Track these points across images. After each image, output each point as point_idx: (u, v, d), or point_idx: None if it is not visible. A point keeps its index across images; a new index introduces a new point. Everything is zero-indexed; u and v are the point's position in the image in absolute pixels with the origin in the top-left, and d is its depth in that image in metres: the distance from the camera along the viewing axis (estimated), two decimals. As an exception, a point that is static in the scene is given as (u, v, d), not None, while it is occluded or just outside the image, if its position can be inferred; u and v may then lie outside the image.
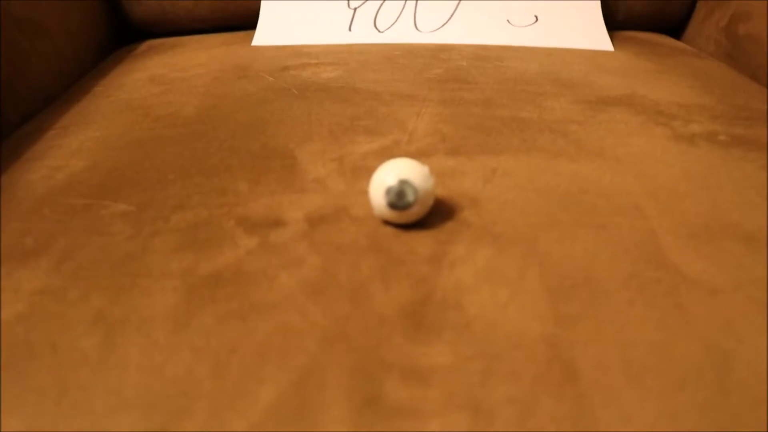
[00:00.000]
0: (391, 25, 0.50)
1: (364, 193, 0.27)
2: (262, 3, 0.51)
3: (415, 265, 0.23)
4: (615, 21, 0.56)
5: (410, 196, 0.24)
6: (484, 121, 0.35)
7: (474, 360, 0.19)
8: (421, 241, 0.24)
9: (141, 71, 0.45)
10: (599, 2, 0.51)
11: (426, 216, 0.26)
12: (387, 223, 0.25)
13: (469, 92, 0.39)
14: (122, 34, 0.55)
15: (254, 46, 0.49)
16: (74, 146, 0.33)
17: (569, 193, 0.28)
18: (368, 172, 0.29)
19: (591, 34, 0.50)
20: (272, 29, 0.50)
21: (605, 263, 0.23)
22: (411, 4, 0.50)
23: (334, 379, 0.19)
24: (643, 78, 0.42)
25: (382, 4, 0.50)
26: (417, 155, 0.31)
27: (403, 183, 0.24)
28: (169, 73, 0.44)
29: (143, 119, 0.36)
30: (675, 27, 0.58)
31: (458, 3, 0.51)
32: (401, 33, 0.49)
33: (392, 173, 0.25)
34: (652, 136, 0.34)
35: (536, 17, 0.50)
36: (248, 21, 0.53)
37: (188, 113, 0.36)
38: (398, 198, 0.24)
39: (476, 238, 0.25)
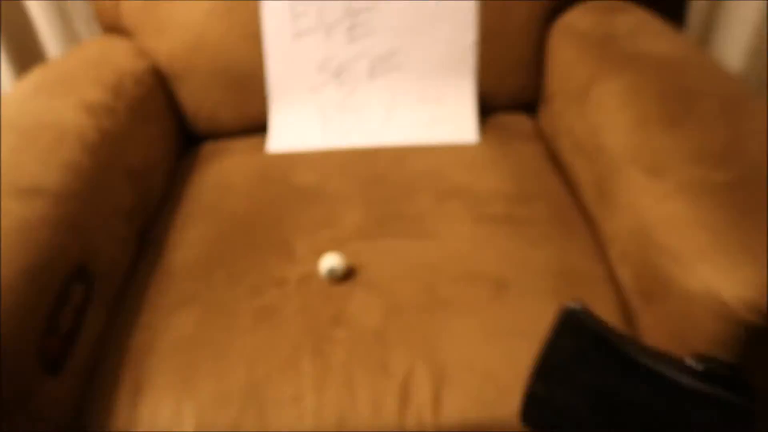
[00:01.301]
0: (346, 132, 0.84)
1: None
2: (269, 113, 0.86)
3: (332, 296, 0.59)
4: (493, 103, 0.88)
5: (334, 273, 0.60)
6: (376, 213, 0.70)
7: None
8: (336, 289, 0.61)
9: (204, 181, 0.80)
10: (474, 101, 0.85)
11: (342, 276, 0.62)
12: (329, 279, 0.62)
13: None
14: (188, 139, 0.90)
15: (268, 153, 0.84)
16: (188, 241, 0.70)
17: (416, 257, 0.63)
18: (321, 252, 0.65)
19: (461, 124, 0.83)
20: (279, 136, 0.85)
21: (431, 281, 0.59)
22: (354, 114, 0.85)
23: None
24: (476, 168, 0.76)
25: (343, 115, 0.85)
26: (341, 240, 0.66)
27: (333, 269, 0.60)
28: (227, 179, 0.79)
29: (217, 223, 0.72)
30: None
31: (390, 111, 0.85)
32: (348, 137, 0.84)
33: (326, 262, 0.61)
34: (466, 218, 0.69)
35: (433, 116, 0.84)
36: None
37: (238, 213, 0.72)
38: (331, 273, 0.60)
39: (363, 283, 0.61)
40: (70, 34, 1.02)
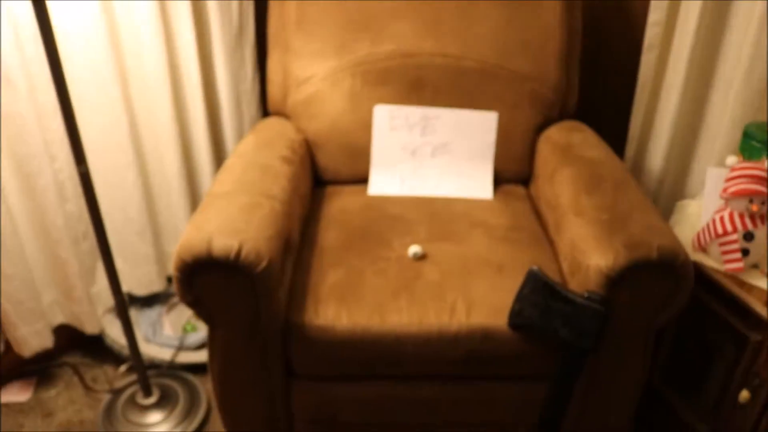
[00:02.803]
0: (415, 185, 1.44)
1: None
2: (371, 172, 1.46)
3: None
4: (503, 177, 1.48)
5: (416, 255, 1.19)
6: (435, 230, 1.29)
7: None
8: (416, 263, 1.19)
9: (331, 207, 1.39)
10: (491, 176, 1.45)
11: (420, 257, 1.20)
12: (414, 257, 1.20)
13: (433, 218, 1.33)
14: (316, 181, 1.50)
15: (368, 195, 1.44)
16: (329, 236, 1.28)
17: (457, 253, 1.22)
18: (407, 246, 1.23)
19: (483, 188, 1.43)
20: (376, 185, 1.45)
21: (475, 258, 1.18)
22: (421, 176, 1.45)
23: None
24: (491, 211, 1.36)
25: (414, 177, 1.45)
26: (416, 242, 1.25)
27: (416, 253, 1.19)
28: (346, 206, 1.39)
29: (344, 229, 1.31)
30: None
31: (441, 177, 1.45)
32: (415, 191, 1.44)
33: (412, 249, 1.19)
34: (484, 236, 1.28)
35: (467, 182, 1.45)
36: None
37: (356, 225, 1.31)
38: (414, 255, 1.19)
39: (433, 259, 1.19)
40: (239, 110, 1.63)
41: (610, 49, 1.65)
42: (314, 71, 1.45)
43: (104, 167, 1.48)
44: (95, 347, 1.66)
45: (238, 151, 1.32)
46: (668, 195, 1.57)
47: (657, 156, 1.54)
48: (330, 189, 1.48)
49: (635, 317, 1.07)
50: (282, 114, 1.52)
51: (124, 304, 1.32)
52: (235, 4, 1.50)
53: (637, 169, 1.61)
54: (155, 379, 1.54)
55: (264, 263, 1.04)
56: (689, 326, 1.23)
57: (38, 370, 1.63)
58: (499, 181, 1.48)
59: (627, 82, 1.59)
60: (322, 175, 1.50)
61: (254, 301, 1.07)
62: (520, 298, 1.08)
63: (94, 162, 1.47)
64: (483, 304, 1.12)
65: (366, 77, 1.43)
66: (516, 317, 1.08)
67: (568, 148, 1.36)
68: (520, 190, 1.48)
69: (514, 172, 1.48)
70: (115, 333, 1.62)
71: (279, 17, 1.49)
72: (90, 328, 1.55)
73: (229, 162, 1.28)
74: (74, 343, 1.66)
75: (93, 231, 1.53)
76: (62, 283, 1.50)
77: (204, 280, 1.05)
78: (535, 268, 1.08)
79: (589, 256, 1.07)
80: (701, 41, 1.41)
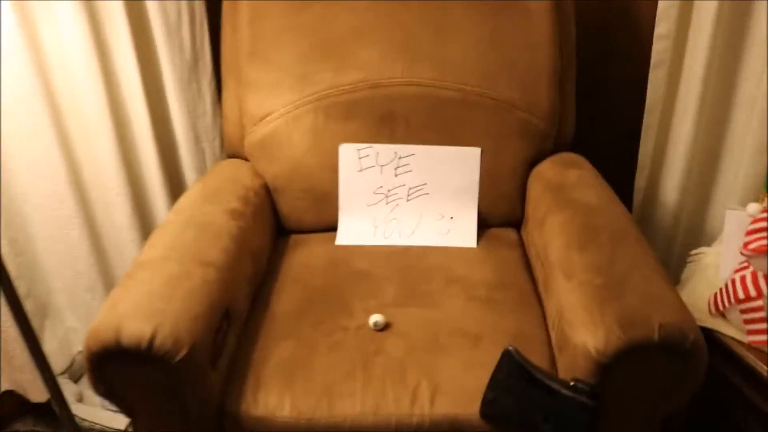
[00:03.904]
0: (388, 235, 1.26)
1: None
2: (339, 219, 1.29)
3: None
4: (490, 221, 1.29)
5: (378, 325, 1.01)
6: (405, 290, 1.11)
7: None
8: (378, 334, 1.01)
9: (293, 262, 1.22)
10: (474, 219, 1.26)
11: (382, 327, 1.02)
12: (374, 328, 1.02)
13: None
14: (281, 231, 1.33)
15: (336, 245, 1.26)
16: (284, 299, 1.11)
17: (428, 319, 1.03)
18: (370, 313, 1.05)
19: (466, 234, 1.24)
20: (345, 234, 1.27)
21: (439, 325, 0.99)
22: (395, 223, 1.27)
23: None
24: (472, 264, 1.17)
25: (388, 223, 1.27)
26: (383, 305, 1.07)
27: (377, 322, 1.01)
28: (309, 261, 1.21)
29: (303, 289, 1.13)
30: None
31: (418, 222, 1.27)
32: (389, 239, 1.26)
33: (372, 318, 1.01)
34: (461, 297, 1.09)
35: (447, 228, 1.26)
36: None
37: (316, 284, 1.14)
38: (376, 325, 1.01)
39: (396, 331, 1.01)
40: (198, 148, 1.47)
41: (614, 66, 1.45)
42: (272, 107, 1.28)
43: (45, 220, 1.34)
44: (51, 412, 1.51)
45: (178, 206, 1.16)
46: (685, 234, 1.36)
47: (671, 188, 1.34)
48: (294, 239, 1.31)
49: (634, 408, 0.87)
50: (240, 156, 1.35)
51: (54, 380, 1.17)
52: (186, 30, 1.34)
53: (649, 204, 1.40)
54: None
55: (184, 351, 0.87)
56: (707, 401, 1.02)
57: (-12, 440, 1.49)
58: (486, 224, 1.29)
59: (634, 103, 1.38)
60: (285, 224, 1.32)
61: (177, 392, 0.90)
62: (493, 383, 0.89)
63: (33, 216, 1.33)
64: (452, 387, 0.93)
65: (330, 112, 1.26)
66: (489, 406, 0.89)
67: (560, 188, 1.16)
68: (510, 235, 1.29)
69: (503, 214, 1.29)
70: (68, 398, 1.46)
71: (231, 43, 1.32)
72: (35, 396, 1.41)
73: (166, 220, 1.12)
74: (26, 408, 1.51)
75: (39, 289, 1.42)
76: (2, 348, 1.36)
77: (116, 370, 0.89)
78: (511, 348, 0.89)
79: (577, 331, 0.88)
80: (718, 54, 1.21)
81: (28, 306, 1.38)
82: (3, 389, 1.43)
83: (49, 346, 1.42)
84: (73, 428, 1.24)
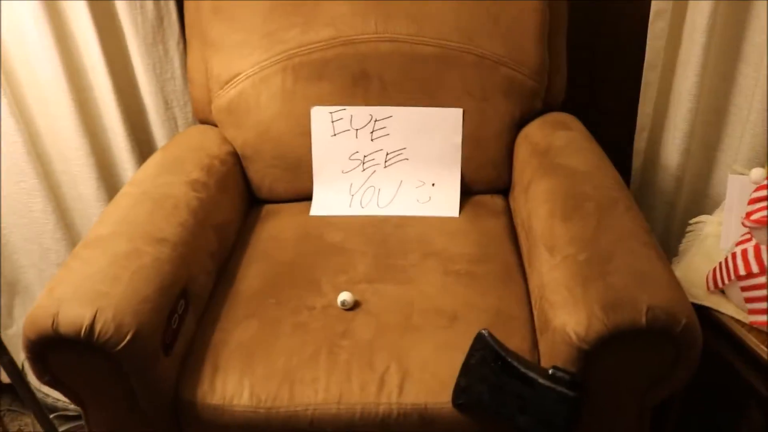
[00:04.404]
0: (365, 204, 1.18)
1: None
2: (314, 190, 1.20)
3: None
4: (475, 188, 1.20)
5: (346, 304, 0.93)
6: (379, 265, 1.02)
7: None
8: (346, 314, 0.93)
9: (262, 235, 1.14)
10: (457, 186, 1.17)
11: (351, 306, 0.94)
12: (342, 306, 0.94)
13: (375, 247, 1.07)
14: (252, 201, 1.25)
15: (310, 216, 1.18)
16: (250, 275, 1.03)
17: (401, 296, 0.95)
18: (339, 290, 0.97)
19: (448, 203, 1.15)
20: (320, 204, 1.19)
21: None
22: (372, 191, 1.18)
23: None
24: (453, 235, 1.08)
25: (364, 192, 1.18)
26: (353, 282, 0.99)
27: (345, 301, 0.93)
28: (279, 233, 1.13)
29: (270, 265, 1.06)
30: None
31: (397, 190, 1.18)
32: (367, 208, 1.17)
33: (341, 297, 0.93)
34: (438, 272, 1.00)
35: (428, 195, 1.17)
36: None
37: (285, 259, 1.06)
38: (344, 304, 0.93)
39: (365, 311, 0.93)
40: (169, 114, 1.38)
41: (610, 19, 1.33)
42: (238, 68, 1.18)
43: (6, 195, 1.26)
44: (27, 391, 1.46)
45: (135, 178, 1.08)
46: (687, 200, 1.26)
47: (673, 150, 1.23)
48: (267, 209, 1.23)
49: (620, 397, 0.79)
50: (209, 121, 1.26)
51: (13, 363, 1.10)
52: (147, -11, 1.24)
53: (649, 168, 1.30)
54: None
55: (128, 337, 0.80)
56: (704, 385, 0.94)
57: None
58: (471, 191, 1.20)
59: (634, 60, 1.26)
60: (257, 194, 1.24)
61: (124, 381, 0.83)
62: (466, 369, 0.82)
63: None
64: (423, 373, 0.86)
65: (299, 72, 1.16)
66: (461, 395, 0.82)
67: (547, 152, 1.06)
68: (496, 201, 1.19)
69: (488, 180, 1.20)
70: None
71: (194, 1, 1.22)
72: (4, 377, 1.36)
73: (120, 193, 1.04)
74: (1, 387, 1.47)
75: (6, 267, 1.36)
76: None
77: (58, 358, 0.83)
78: (484, 331, 0.81)
79: (557, 313, 0.79)
80: (722, 2, 1.09)
81: (-4, 283, 1.33)
82: (-27, 369, 1.38)
83: (21, 322, 1.36)
84: (37, 410, 1.19)
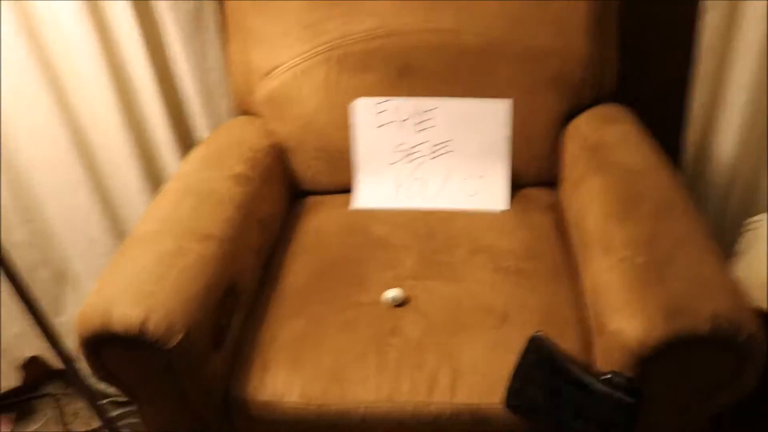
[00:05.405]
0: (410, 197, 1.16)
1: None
2: (357, 180, 1.19)
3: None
4: (523, 181, 1.17)
5: (395, 301, 0.92)
6: (426, 260, 1.01)
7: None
8: (394, 311, 0.92)
9: (306, 229, 1.14)
10: (506, 179, 1.14)
11: (399, 303, 0.93)
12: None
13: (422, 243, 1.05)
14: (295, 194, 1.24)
15: (353, 209, 1.17)
16: (296, 270, 1.03)
17: (450, 294, 0.94)
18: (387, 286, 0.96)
19: (496, 196, 1.13)
20: (363, 196, 1.18)
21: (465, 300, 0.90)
22: (419, 183, 1.16)
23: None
24: (501, 230, 1.06)
25: (411, 184, 1.17)
26: (400, 278, 0.98)
27: (394, 298, 0.92)
28: (323, 227, 1.12)
29: (315, 260, 1.05)
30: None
31: (444, 182, 1.16)
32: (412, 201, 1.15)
33: (389, 293, 0.93)
34: (487, 269, 0.99)
35: (476, 188, 1.15)
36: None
37: (330, 254, 1.05)
38: (393, 300, 0.92)
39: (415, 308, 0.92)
40: (213, 106, 1.38)
41: (660, 5, 1.28)
42: (279, 59, 1.17)
43: (53, 188, 1.28)
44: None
45: (179, 172, 1.08)
46: (741, 195, 1.22)
47: (727, 142, 1.19)
48: (311, 201, 1.22)
49: (679, 406, 0.77)
50: (251, 112, 1.26)
51: (64, 352, 1.12)
52: (185, -20, 1.23)
53: (701, 160, 1.26)
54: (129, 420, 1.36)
55: (179, 336, 0.80)
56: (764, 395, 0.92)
57: (17, 403, 1.48)
58: (517, 184, 1.17)
59: (685, 47, 1.22)
60: (300, 186, 1.24)
61: (175, 378, 0.84)
62: (519, 372, 0.81)
63: (40, 183, 1.28)
64: (474, 373, 0.85)
65: (343, 64, 1.15)
66: (514, 397, 0.81)
67: (599, 147, 1.04)
68: (544, 195, 1.17)
69: (536, 173, 1.18)
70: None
71: (235, -7, 1.21)
72: (56, 363, 1.38)
73: (165, 188, 1.04)
74: (56, 372, 1.50)
75: (55, 257, 1.38)
76: (24, 314, 1.33)
77: (111, 354, 0.84)
78: (539, 334, 0.79)
79: (613, 316, 0.77)
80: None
81: (46, 274, 1.37)
82: (29, 355, 1.41)
83: (73, 312, 1.39)
84: (89, 396, 1.21)
